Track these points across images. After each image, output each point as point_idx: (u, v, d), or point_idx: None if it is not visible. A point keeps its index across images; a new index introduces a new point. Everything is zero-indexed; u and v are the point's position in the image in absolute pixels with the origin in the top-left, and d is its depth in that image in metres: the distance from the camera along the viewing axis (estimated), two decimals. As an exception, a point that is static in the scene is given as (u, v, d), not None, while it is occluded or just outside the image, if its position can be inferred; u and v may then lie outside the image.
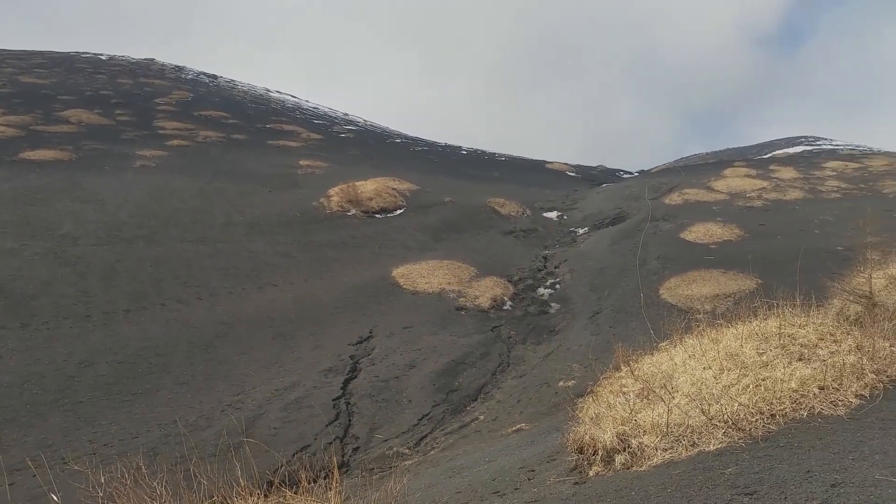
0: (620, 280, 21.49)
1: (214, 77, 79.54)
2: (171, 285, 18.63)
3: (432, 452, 11.20)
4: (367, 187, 30.36)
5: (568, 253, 26.67)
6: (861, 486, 4.03)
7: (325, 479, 4.58)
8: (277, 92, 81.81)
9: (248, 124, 51.88)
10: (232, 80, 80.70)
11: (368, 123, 76.27)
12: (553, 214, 35.86)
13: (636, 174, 59.71)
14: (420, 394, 13.69)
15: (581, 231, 31.64)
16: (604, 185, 49.39)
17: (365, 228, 26.57)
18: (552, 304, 20.64)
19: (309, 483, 4.28)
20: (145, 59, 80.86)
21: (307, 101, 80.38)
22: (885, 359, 6.15)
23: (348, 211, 28.06)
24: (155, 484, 3.99)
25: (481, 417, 12.79)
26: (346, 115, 78.41)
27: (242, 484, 4.20)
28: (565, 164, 61.54)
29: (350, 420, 12.57)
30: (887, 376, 5.88)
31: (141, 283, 18.43)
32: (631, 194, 38.11)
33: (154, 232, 22.73)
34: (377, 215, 28.72)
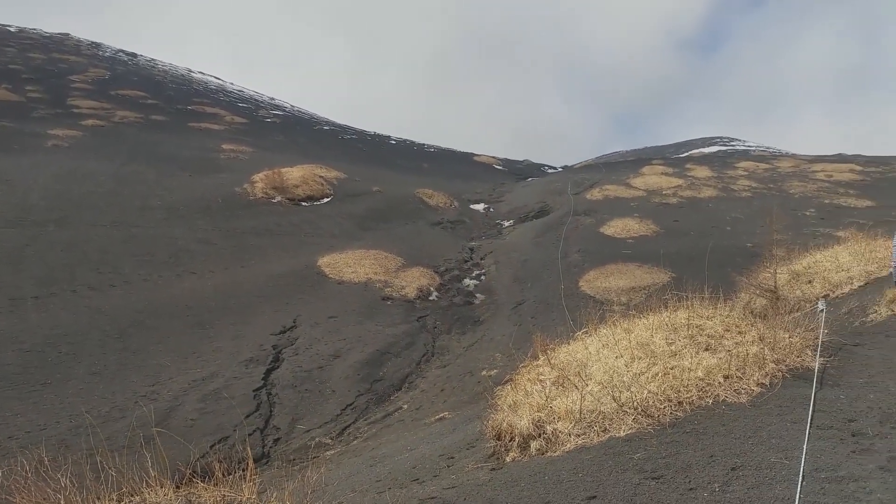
0: (543, 272, 21.98)
1: (134, 55, 76.04)
2: (84, 271, 17.80)
3: (355, 442, 11.20)
4: (294, 174, 29.81)
5: (494, 245, 27.04)
6: (758, 468, 4.32)
7: (241, 470, 4.51)
8: (201, 73, 79.02)
9: (169, 105, 49.96)
10: (152, 59, 77.36)
11: (295, 109, 74.80)
12: (480, 206, 36.26)
13: (560, 169, 61.02)
14: (344, 384, 13.63)
15: (507, 223, 32.12)
16: (529, 179, 50.24)
17: (290, 216, 26.10)
18: (477, 295, 20.91)
19: (223, 475, 4.21)
20: (59, 34, 76.34)
21: (232, 84, 78.04)
22: (784, 349, 6.57)
23: (273, 198, 27.48)
24: (59, 476, 3.83)
25: (405, 407, 12.86)
26: (273, 99, 76.60)
27: (153, 475, 4.09)
28: (493, 157, 62.24)
29: (271, 411, 12.39)
30: (786, 365, 6.28)
31: (51, 269, 17.53)
32: (555, 189, 38.92)
33: (66, 215, 21.63)
34: (303, 203, 28.26)
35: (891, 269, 7.22)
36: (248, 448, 5.92)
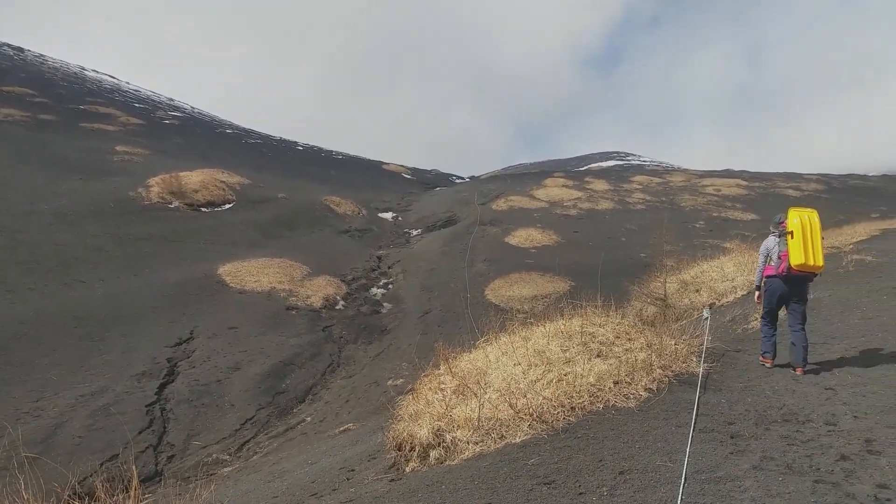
0: (450, 281, 22.19)
1: (21, 50, 71.00)
2: (-43, 281, 16.42)
3: (255, 457, 10.88)
4: (193, 178, 28.67)
5: (402, 253, 27.06)
6: (644, 471, 4.53)
7: (126, 490, 4.30)
8: (94, 71, 74.85)
9: (59, 104, 46.93)
10: (41, 55, 72.57)
11: (196, 110, 72.19)
12: (388, 215, 36.23)
13: (468, 179, 61.95)
14: (244, 397, 13.22)
15: (415, 232, 32.25)
16: (437, 188, 50.70)
17: (189, 222, 25.08)
18: (385, 304, 20.84)
19: (107, 496, 4.00)
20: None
21: (128, 83, 74.41)
22: (670, 355, 6.93)
23: (170, 203, 26.32)
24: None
25: (308, 419, 12.62)
26: (172, 100, 73.62)
27: (25, 498, 3.82)
28: (401, 165, 62.38)
29: (165, 427, 11.84)
30: (672, 371, 6.63)
31: (-82, 278, 16.08)
32: (462, 199, 39.47)
33: (-64, 219, 19.90)
34: (203, 209, 27.23)
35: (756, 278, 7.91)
36: (133, 467, 5.63)
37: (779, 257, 7.27)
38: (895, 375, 6.24)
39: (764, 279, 7.60)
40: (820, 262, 6.96)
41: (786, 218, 7.24)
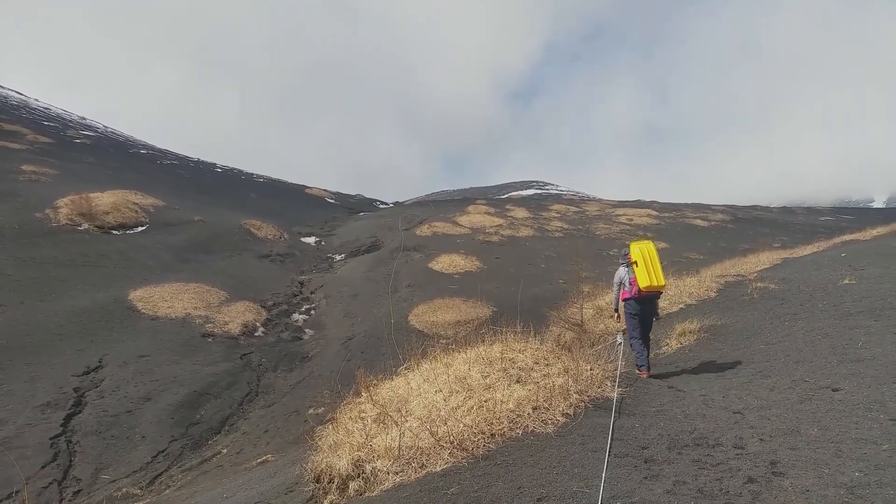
0: (374, 306, 22.07)
1: None
2: None
3: (167, 491, 10.41)
4: (104, 200, 27.44)
5: (325, 279, 26.73)
6: (562, 498, 4.63)
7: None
8: (-1, 86, 70.97)
9: (-45, 118, 44.18)
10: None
11: (109, 130, 69.39)
12: (311, 240, 35.78)
13: (392, 205, 62.04)
14: (156, 428, 12.65)
15: (338, 257, 31.94)
16: (361, 213, 50.51)
17: (99, 245, 23.94)
18: (307, 330, 20.48)
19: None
20: None
21: (37, 101, 70.82)
22: (587, 380, 7.14)
23: (80, 225, 25.08)
24: None
25: (224, 451, 12.19)
26: (84, 118, 70.53)
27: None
28: (325, 190, 61.82)
29: (71, 460, 11.17)
30: (588, 396, 6.82)
31: None
32: (386, 224, 39.47)
33: None
34: (114, 231, 26.06)
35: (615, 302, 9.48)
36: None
37: (630, 283, 8.88)
38: (796, 399, 6.65)
39: (622, 302, 9.15)
40: (662, 282, 8.59)
41: (629, 251, 8.84)
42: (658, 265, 8.60)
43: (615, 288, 9.29)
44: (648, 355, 8.79)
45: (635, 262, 8.64)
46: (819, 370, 7.49)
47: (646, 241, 8.84)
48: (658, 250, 9.01)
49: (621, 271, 9.14)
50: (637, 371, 8.68)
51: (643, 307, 8.89)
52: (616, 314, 9.48)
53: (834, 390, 6.64)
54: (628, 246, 8.98)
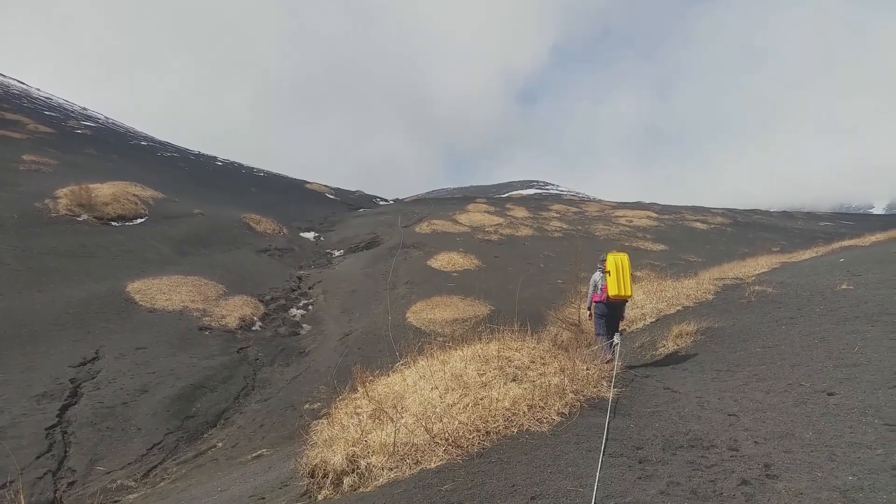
0: (371, 303, 22.08)
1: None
2: None
3: (162, 484, 10.42)
4: (104, 191, 27.43)
5: (323, 274, 26.73)
6: (556, 497, 4.63)
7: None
8: (1, 75, 70.84)
9: (-45, 106, 44.11)
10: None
11: (110, 121, 69.32)
12: (310, 235, 35.77)
13: (392, 202, 62.00)
14: (151, 421, 12.66)
15: (337, 253, 31.94)
16: (361, 209, 50.50)
17: (98, 237, 23.94)
18: (304, 325, 20.49)
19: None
20: None
21: (38, 90, 70.74)
22: (582, 380, 7.14)
23: (79, 216, 25.07)
24: None
25: (220, 445, 12.20)
26: (85, 109, 70.45)
27: None
28: (325, 185, 61.77)
29: (66, 451, 11.18)
30: (584, 396, 6.82)
31: None
32: (386, 221, 39.47)
33: None
34: (113, 223, 26.06)
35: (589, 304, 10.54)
36: (21, 497, 5.30)
37: (601, 289, 10.06)
38: (791, 402, 6.66)
39: (593, 303, 10.33)
40: (629, 293, 9.78)
41: (606, 260, 9.88)
42: (628, 277, 9.72)
43: (590, 289, 10.47)
44: (615, 351, 9.53)
45: (609, 272, 9.71)
46: (815, 374, 7.49)
47: (622, 254, 9.88)
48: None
49: (597, 276, 10.29)
50: (604, 362, 9.14)
51: (610, 311, 10.07)
52: (589, 312, 10.63)
53: (829, 394, 6.64)
54: (606, 255, 10.02)
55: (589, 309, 10.58)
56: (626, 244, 34.34)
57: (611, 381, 7.36)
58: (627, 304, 10.81)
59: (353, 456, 5.52)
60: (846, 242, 22.73)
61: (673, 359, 10.16)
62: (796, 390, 7.02)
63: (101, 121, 66.49)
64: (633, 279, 10.37)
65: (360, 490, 5.31)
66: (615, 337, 9.59)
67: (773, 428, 5.90)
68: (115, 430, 12.15)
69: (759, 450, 5.34)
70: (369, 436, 5.78)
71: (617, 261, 9.67)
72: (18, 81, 71.23)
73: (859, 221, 59.46)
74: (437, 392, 6.46)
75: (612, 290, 9.63)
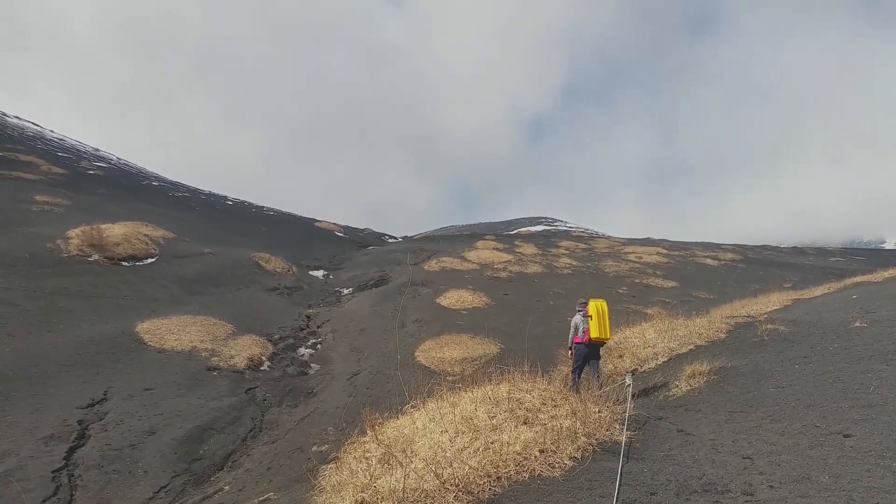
0: (380, 341, 21.98)
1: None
2: None
3: (167, 529, 10.28)
4: (115, 231, 27.69)
5: (332, 312, 26.70)
6: (568, 543, 4.53)
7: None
8: (16, 118, 72.33)
9: (-27, 149, 44.96)
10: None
11: (122, 161, 70.41)
12: (319, 273, 35.85)
13: (400, 239, 62.22)
14: (158, 463, 12.54)
15: (346, 291, 31.96)
16: (370, 247, 50.67)
17: (109, 277, 24.08)
18: (312, 365, 20.39)
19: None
20: None
21: (52, 132, 72.10)
22: (595, 423, 7.04)
23: (90, 256, 25.27)
24: None
25: (226, 488, 12.04)
26: (97, 150, 71.64)
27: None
28: (334, 223, 62.18)
29: (72, 494, 11.06)
30: (596, 439, 6.72)
31: None
32: (394, 258, 39.55)
33: None
34: (124, 263, 26.23)
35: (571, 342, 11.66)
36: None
37: (583, 331, 11.15)
38: (806, 444, 6.54)
39: (573, 344, 11.44)
40: (608, 336, 11.11)
41: (587, 305, 11.21)
42: (607, 321, 11.06)
43: (571, 331, 11.59)
44: (578, 381, 11.07)
45: (590, 316, 11.01)
46: (830, 415, 7.36)
47: (601, 301, 11.22)
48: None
49: (577, 318, 11.42)
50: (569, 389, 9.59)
51: (590, 350, 11.27)
52: (570, 352, 11.74)
53: (845, 436, 6.52)
54: (587, 301, 11.33)
55: (570, 349, 11.67)
56: (637, 281, 34.17)
57: (623, 424, 7.26)
58: (605, 344, 12.18)
59: (361, 502, 5.44)
60: (858, 278, 22.55)
61: (686, 400, 10.03)
62: (811, 432, 6.90)
63: (112, 161, 67.53)
64: (612, 325, 11.65)
65: (369, 538, 5.22)
66: (627, 378, 9.55)
67: (788, 471, 5.78)
68: (121, 472, 12.03)
69: (774, 494, 5.23)
70: (378, 481, 5.70)
71: (598, 306, 11.01)
72: (33, 124, 72.72)
73: (871, 257, 59.06)
74: (447, 435, 6.38)
75: (594, 333, 10.87)
